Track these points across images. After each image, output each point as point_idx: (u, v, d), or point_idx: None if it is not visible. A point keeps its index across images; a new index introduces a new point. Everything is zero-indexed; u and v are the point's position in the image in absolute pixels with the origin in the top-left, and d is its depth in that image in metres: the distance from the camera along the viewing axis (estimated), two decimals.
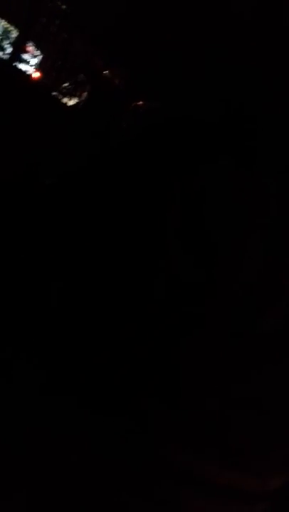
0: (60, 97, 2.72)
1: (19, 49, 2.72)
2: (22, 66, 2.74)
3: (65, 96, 2.71)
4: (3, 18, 2.84)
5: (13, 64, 2.73)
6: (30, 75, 2.79)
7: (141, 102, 2.30)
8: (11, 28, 2.85)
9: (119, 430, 0.67)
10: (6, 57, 2.71)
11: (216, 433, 0.61)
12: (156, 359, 0.57)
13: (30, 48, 2.84)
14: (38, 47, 2.80)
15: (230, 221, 0.48)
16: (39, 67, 2.79)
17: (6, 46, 2.69)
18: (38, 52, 2.82)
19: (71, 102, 2.69)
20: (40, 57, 2.77)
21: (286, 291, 0.49)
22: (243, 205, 0.48)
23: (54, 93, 2.72)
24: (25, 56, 2.77)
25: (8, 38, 2.69)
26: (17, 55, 2.73)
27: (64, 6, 2.86)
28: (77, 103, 2.67)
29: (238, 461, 0.66)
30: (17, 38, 2.75)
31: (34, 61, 2.83)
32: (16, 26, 2.77)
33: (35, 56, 2.83)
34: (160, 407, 0.63)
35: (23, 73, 2.80)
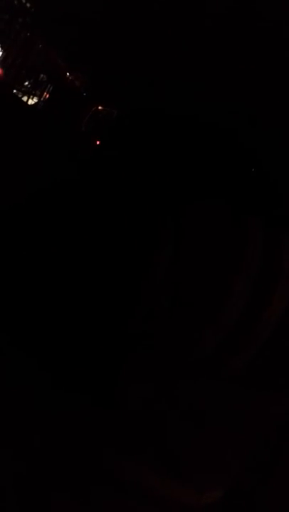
0: (19, 95, 2.66)
1: None
2: None
3: (25, 94, 2.66)
4: None
5: None
6: None
7: (100, 107, 2.28)
8: None
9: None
10: None
11: (154, 442, 0.60)
12: (101, 363, 0.55)
13: None
14: (0, 43, 2.73)
15: (214, 265, 0.48)
16: (0, 63, 2.73)
17: None
18: None
19: (31, 101, 2.64)
20: (1, 53, 2.71)
21: (262, 335, 0.49)
22: (228, 247, 0.48)
23: (14, 91, 2.66)
24: None
25: None
26: None
27: (28, 4, 2.81)
28: (36, 103, 2.63)
29: (177, 472, 0.65)
30: None
31: None
32: None
33: None
34: (95, 409, 0.61)
35: None
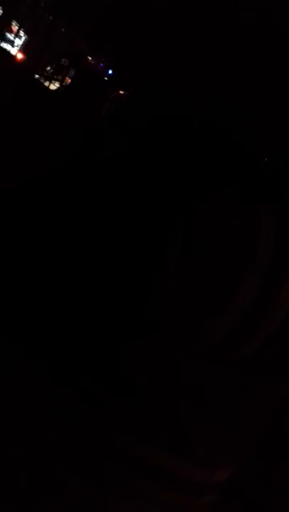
0: (42, 80, 2.67)
1: (3, 28, 2.65)
2: (5, 45, 2.68)
3: (47, 79, 2.66)
4: None
5: None
6: (13, 56, 2.74)
7: (122, 92, 2.27)
8: None
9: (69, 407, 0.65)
10: None
11: (163, 422, 0.61)
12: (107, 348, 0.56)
13: (15, 27, 2.78)
14: (22, 27, 2.73)
15: (225, 256, 0.47)
16: (23, 48, 2.74)
17: None
18: (22, 33, 2.76)
19: (53, 87, 2.65)
20: (24, 38, 2.72)
21: (269, 327, 0.49)
22: (240, 240, 0.47)
23: (36, 76, 2.67)
24: (9, 36, 2.70)
25: None
26: (1, 34, 2.66)
27: None
28: (58, 88, 2.63)
29: (186, 451, 0.66)
30: (1, 16, 2.68)
31: (18, 42, 2.77)
32: (0, 4, 2.71)
33: (19, 37, 2.77)
34: (106, 392, 0.62)
35: (6, 53, 2.74)
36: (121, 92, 2.23)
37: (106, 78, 2.40)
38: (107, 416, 0.65)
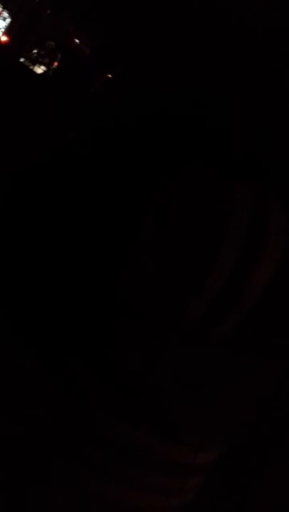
0: (27, 63, 2.62)
1: None
2: None
3: (33, 63, 2.61)
4: None
5: None
6: None
7: (110, 76, 2.24)
8: None
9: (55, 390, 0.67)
10: None
11: (149, 405, 0.62)
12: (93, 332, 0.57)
13: None
14: (6, 9, 2.67)
15: (200, 231, 0.47)
16: (7, 30, 2.68)
17: None
18: (6, 15, 2.70)
19: (39, 70, 2.60)
20: (9, 20, 2.66)
21: (248, 302, 0.49)
22: (215, 215, 0.46)
23: (22, 59, 2.62)
24: None
25: None
26: None
27: None
28: (45, 71, 2.59)
29: (173, 433, 0.67)
30: None
31: (2, 24, 2.71)
32: None
33: (3, 18, 2.71)
34: (92, 377, 0.63)
35: None
36: (108, 76, 2.19)
37: (93, 62, 2.37)
38: (91, 400, 0.65)
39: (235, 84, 0.58)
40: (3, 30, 2.69)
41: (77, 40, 2.59)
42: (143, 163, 0.51)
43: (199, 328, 0.52)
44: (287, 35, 0.59)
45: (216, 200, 0.49)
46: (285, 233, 0.49)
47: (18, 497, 0.74)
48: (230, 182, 0.49)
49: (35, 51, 2.66)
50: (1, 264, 0.63)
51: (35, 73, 2.67)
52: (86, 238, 0.52)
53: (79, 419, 0.67)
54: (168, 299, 0.50)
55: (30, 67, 2.61)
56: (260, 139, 0.57)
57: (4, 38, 2.67)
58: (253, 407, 0.68)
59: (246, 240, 0.48)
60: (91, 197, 0.51)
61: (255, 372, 0.61)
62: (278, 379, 0.64)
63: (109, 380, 0.62)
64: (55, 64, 2.62)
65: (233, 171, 0.52)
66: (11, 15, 2.62)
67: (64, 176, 0.55)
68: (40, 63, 2.60)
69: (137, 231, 0.47)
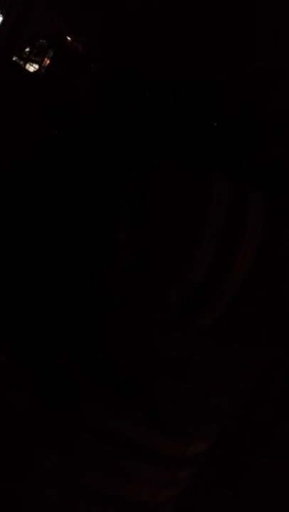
0: (20, 62, 2.62)
1: None
2: None
3: (25, 61, 2.61)
4: None
5: None
6: None
7: (102, 68, 2.23)
8: None
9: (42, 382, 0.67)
10: None
11: (138, 396, 0.62)
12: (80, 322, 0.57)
13: None
14: None
15: (178, 222, 0.46)
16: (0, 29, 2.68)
17: None
18: None
19: (32, 68, 2.60)
20: (0, 19, 2.65)
21: (228, 292, 0.49)
22: (192, 205, 0.46)
23: (14, 58, 2.62)
24: None
25: None
26: None
27: None
28: (38, 70, 2.58)
29: (162, 425, 0.67)
30: None
31: None
32: None
33: None
34: (81, 367, 0.63)
35: None
36: (99, 69, 2.17)
37: (85, 59, 2.36)
38: (82, 392, 0.65)
39: (213, 74, 0.58)
40: None
41: (69, 38, 2.59)
42: (119, 152, 0.51)
43: (181, 319, 0.52)
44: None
45: (193, 190, 0.49)
46: (263, 222, 0.49)
47: (13, 492, 0.74)
48: (207, 171, 0.49)
49: (27, 49, 2.66)
50: None
51: (27, 71, 2.67)
52: (66, 230, 0.52)
53: (66, 409, 0.67)
54: (148, 290, 0.50)
55: (23, 66, 2.61)
56: (238, 127, 0.57)
57: None
58: (241, 397, 0.68)
59: (224, 230, 0.48)
60: (69, 188, 0.51)
61: (241, 362, 0.62)
62: (265, 369, 0.64)
63: (97, 370, 0.62)
64: (47, 62, 2.61)
65: (209, 159, 0.52)
66: (2, 14, 2.61)
67: (44, 170, 0.55)
68: (32, 61, 2.60)
69: (113, 223, 0.47)
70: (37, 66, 2.60)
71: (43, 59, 2.63)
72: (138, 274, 0.48)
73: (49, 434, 0.69)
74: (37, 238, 0.54)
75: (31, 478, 0.71)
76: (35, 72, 2.61)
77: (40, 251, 0.54)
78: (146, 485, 0.76)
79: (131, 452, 0.77)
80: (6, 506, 0.74)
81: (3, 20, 2.62)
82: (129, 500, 0.75)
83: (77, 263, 0.51)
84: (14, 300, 0.62)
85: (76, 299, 0.55)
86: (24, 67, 2.63)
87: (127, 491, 0.73)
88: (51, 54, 2.61)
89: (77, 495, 0.70)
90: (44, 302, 0.59)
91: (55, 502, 0.74)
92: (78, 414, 0.70)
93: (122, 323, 0.60)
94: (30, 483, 0.72)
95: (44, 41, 2.65)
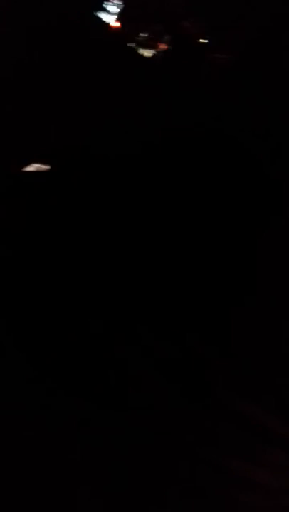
0: (136, 47, 2.70)
1: None
2: (102, 15, 2.74)
3: (141, 47, 2.69)
4: None
5: (94, 13, 2.74)
6: (109, 25, 2.79)
7: (219, 55, 2.25)
8: None
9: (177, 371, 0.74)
10: (86, 5, 2.71)
11: (269, 383, 0.67)
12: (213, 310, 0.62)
13: None
14: None
15: None
16: (119, 16, 2.77)
17: None
18: (118, 1, 2.79)
19: (147, 54, 2.67)
20: (121, 6, 2.75)
21: None
22: None
23: (131, 44, 2.71)
24: (105, 5, 2.75)
25: None
26: (97, 4, 2.72)
27: None
28: (153, 55, 2.65)
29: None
30: None
31: (114, 10, 2.80)
32: None
33: (116, 5, 2.80)
34: (214, 355, 0.69)
35: (102, 23, 2.80)
36: (218, 55, 2.22)
37: (202, 42, 2.37)
38: (216, 377, 0.72)
39: None
40: (116, 16, 2.80)
41: (184, 21, 2.61)
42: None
43: None
44: None
45: None
46: None
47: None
48: None
49: (144, 34, 2.73)
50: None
51: (143, 56, 2.75)
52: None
53: (204, 397, 0.75)
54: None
55: (139, 51, 2.69)
56: None
57: (117, 24, 2.77)
58: None
59: None
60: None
61: None
62: None
63: (230, 357, 0.68)
64: (163, 47, 2.67)
65: None
66: (123, 1, 2.71)
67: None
68: (148, 46, 2.67)
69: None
70: (153, 51, 2.67)
71: (158, 43, 2.69)
72: None
73: (196, 423, 0.76)
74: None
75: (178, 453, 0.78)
76: (150, 56, 2.68)
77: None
78: (279, 471, 0.80)
79: (261, 437, 0.82)
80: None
81: (124, 6, 2.72)
82: (263, 486, 0.80)
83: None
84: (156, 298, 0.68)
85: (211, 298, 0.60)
86: (140, 53, 2.71)
87: (259, 476, 0.78)
88: (167, 39, 2.66)
89: (222, 481, 0.77)
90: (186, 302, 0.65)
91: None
92: (214, 400, 0.76)
93: (253, 317, 0.64)
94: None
95: (160, 25, 2.70)
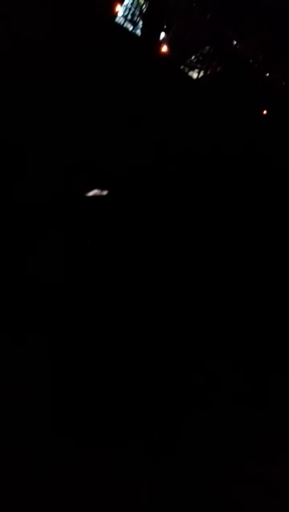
0: (186, 70, 2.70)
1: (150, 23, 2.73)
2: (151, 39, 2.77)
3: (191, 69, 2.69)
4: None
5: (143, 38, 2.77)
6: (158, 49, 2.81)
7: (275, 76, 2.19)
8: (142, 1, 2.86)
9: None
10: (137, 31, 2.75)
11: None
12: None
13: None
14: (166, 20, 2.78)
15: None
16: (167, 40, 2.79)
17: (137, 20, 2.72)
18: (166, 26, 2.81)
19: (195, 75, 2.66)
20: (169, 30, 2.76)
21: None
22: None
23: (181, 67, 2.71)
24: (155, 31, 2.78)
25: (140, 11, 2.72)
26: (148, 30, 2.76)
27: None
28: (202, 77, 2.64)
29: None
30: (147, 11, 2.76)
31: (162, 34, 2.83)
32: None
33: (164, 30, 2.83)
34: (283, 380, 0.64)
35: (151, 47, 2.82)
36: (274, 75, 2.13)
37: (255, 63, 2.33)
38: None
39: None
40: (164, 40, 2.82)
41: (235, 42, 2.58)
42: None
43: None
44: None
45: None
46: None
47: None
48: None
49: (193, 57, 2.73)
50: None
51: (191, 79, 2.74)
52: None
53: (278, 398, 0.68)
54: None
55: (188, 73, 2.68)
56: None
57: (165, 48, 2.79)
58: None
59: None
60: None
61: None
62: None
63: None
64: (214, 68, 2.64)
65: None
66: (172, 25, 2.72)
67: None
68: (199, 69, 2.66)
69: None
70: (202, 73, 2.66)
71: (209, 66, 2.67)
72: None
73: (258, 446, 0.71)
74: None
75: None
76: (200, 79, 2.67)
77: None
78: None
79: None
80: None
81: (173, 30, 2.73)
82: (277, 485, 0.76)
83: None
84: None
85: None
86: (189, 75, 2.71)
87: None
88: (216, 61, 2.64)
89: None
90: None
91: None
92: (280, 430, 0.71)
93: None
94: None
95: (210, 48, 2.69)
